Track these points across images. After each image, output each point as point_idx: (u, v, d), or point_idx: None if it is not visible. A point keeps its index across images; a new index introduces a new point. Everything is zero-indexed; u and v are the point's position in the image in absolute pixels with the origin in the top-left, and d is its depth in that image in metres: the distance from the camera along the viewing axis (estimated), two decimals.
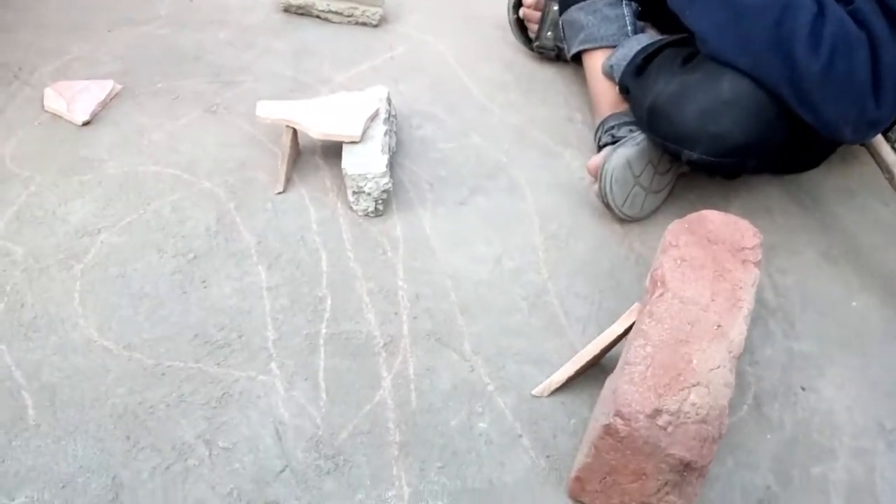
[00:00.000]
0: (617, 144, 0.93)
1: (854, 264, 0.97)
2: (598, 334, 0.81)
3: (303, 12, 1.27)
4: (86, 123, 1.00)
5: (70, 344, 0.76)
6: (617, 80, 1.03)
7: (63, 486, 0.65)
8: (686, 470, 0.61)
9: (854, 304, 0.93)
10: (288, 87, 1.12)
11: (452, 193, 0.99)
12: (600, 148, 0.98)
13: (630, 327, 0.75)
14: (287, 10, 1.27)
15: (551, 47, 1.21)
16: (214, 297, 0.82)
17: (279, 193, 0.95)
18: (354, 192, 0.92)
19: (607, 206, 0.94)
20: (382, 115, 0.99)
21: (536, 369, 0.80)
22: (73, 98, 1.01)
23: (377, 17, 1.27)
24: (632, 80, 0.97)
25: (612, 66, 1.05)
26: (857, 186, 1.10)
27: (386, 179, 0.92)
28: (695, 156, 0.84)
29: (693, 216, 0.80)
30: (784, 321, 0.90)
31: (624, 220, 0.96)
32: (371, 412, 0.74)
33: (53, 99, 1.01)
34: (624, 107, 1.05)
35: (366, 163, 0.92)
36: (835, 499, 0.74)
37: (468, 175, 1.02)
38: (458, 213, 0.96)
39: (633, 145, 0.92)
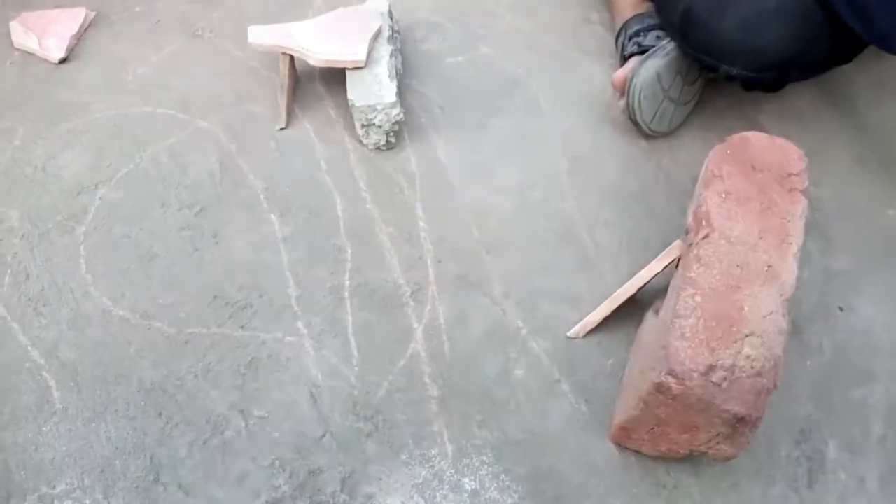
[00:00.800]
0: (645, 55, 0.85)
1: (890, 169, 0.92)
2: (630, 265, 0.78)
3: None
4: (62, 61, 0.90)
5: (84, 316, 0.72)
6: None
7: (102, 471, 0.64)
8: (739, 423, 0.59)
9: (891, 212, 0.89)
10: (277, 1, 1.02)
11: (467, 116, 0.92)
12: (624, 57, 0.90)
13: (668, 265, 0.71)
14: None
15: None
16: (228, 252, 0.77)
17: (282, 129, 0.88)
18: (364, 125, 0.85)
19: (635, 122, 0.88)
20: (386, 34, 0.90)
21: (570, 308, 0.77)
22: (44, 32, 0.91)
23: None
24: None
25: None
26: (892, 81, 1.02)
27: (397, 110, 0.84)
28: (734, 70, 0.77)
29: (735, 139, 0.74)
30: (820, 237, 0.86)
31: (650, 135, 0.90)
32: (405, 367, 0.72)
33: (22, 34, 0.91)
34: (646, 6, 0.96)
35: (373, 92, 0.84)
36: (875, 422, 0.73)
37: (482, 94, 0.94)
38: (475, 139, 0.89)
39: (662, 56, 0.84)
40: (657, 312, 0.73)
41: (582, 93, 0.96)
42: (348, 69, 0.86)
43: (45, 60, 0.90)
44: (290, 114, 0.89)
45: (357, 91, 0.84)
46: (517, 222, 0.83)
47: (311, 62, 0.85)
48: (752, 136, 0.74)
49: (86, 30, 0.94)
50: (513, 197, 0.85)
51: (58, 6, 0.96)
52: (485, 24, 1.03)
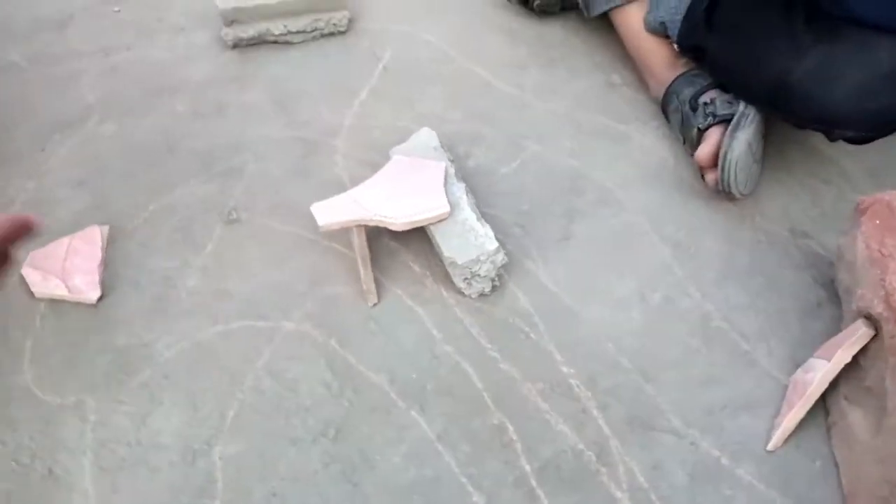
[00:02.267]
0: (732, 127, 0.80)
1: None
2: (783, 347, 0.74)
3: (256, 42, 1.02)
4: (100, 299, 0.77)
5: None
6: (675, 37, 0.88)
7: None
8: None
9: None
10: (298, 155, 0.91)
11: (549, 229, 0.85)
12: (699, 130, 0.84)
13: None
14: (237, 45, 1.01)
15: (555, 1, 1.03)
16: (388, 475, 0.67)
17: (374, 305, 0.78)
18: (466, 279, 0.76)
19: (727, 193, 0.83)
20: (451, 170, 0.81)
21: (752, 417, 0.72)
22: (66, 271, 0.77)
23: (345, 21, 1.03)
24: (706, 37, 0.83)
25: (662, 23, 0.89)
26: None
27: (501, 255, 0.76)
28: (849, 134, 0.73)
29: (876, 207, 0.70)
30: None
31: (737, 199, 0.85)
32: None
33: (41, 282, 0.76)
34: (682, 63, 0.91)
35: (471, 243, 0.75)
36: None
37: (552, 199, 0.87)
38: (567, 252, 0.82)
39: (748, 124, 0.80)
40: (847, 398, 0.68)
41: (647, 168, 0.90)
42: (433, 224, 0.77)
43: (80, 304, 0.76)
44: (377, 284, 0.78)
45: (453, 246, 0.75)
46: (656, 335, 0.77)
47: (394, 228, 0.76)
48: (889, 197, 0.70)
49: (106, 250, 0.80)
50: (637, 306, 0.78)
51: (60, 230, 0.81)
52: (519, 118, 0.95)
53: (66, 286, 0.76)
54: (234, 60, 1.01)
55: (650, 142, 0.93)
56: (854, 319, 0.70)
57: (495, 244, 0.75)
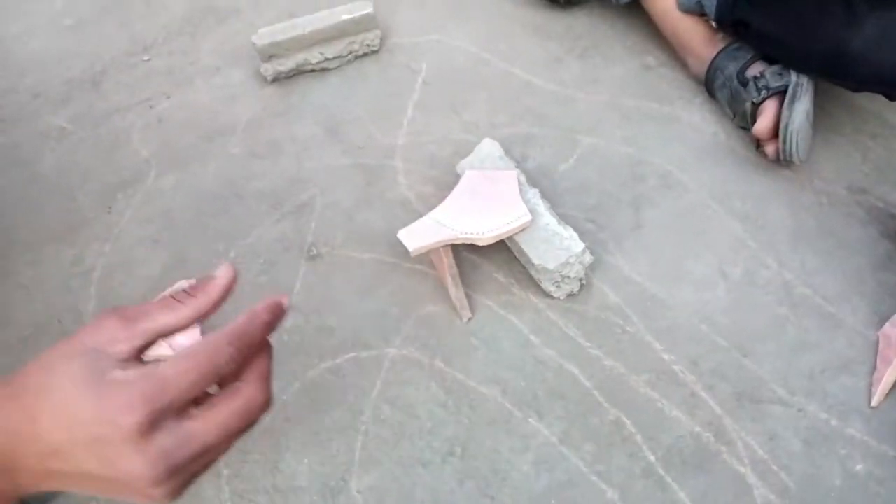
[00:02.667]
0: (788, 98, 0.81)
1: None
2: (867, 304, 0.77)
3: (295, 73, 1.02)
4: None
5: None
6: (712, 15, 0.89)
7: None
8: None
9: None
10: (362, 181, 0.92)
11: (620, 220, 0.86)
12: (754, 104, 0.85)
13: None
14: (276, 79, 1.02)
15: None
16: (520, 484, 0.69)
17: (469, 320, 0.80)
18: (556, 282, 0.78)
19: (788, 162, 0.85)
20: (522, 178, 0.83)
21: (850, 376, 0.74)
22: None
23: (377, 40, 1.04)
24: (748, 11, 0.84)
25: (698, 2, 0.90)
26: None
27: (587, 255, 0.78)
28: None
29: None
30: None
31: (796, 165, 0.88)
32: None
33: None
34: (718, 39, 0.92)
35: (557, 246, 0.77)
36: None
37: (615, 189, 0.89)
38: (643, 241, 0.84)
39: (804, 94, 0.81)
40: None
41: (700, 146, 0.92)
42: (515, 234, 0.79)
43: None
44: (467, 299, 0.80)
45: (541, 253, 0.77)
46: (745, 310, 0.79)
47: (481, 244, 0.77)
48: None
49: None
50: (721, 284, 0.81)
51: (146, 290, 0.82)
52: (566, 113, 0.97)
53: (170, 346, 0.77)
54: (276, 94, 1.01)
55: (698, 119, 0.95)
56: None
57: (581, 245, 0.77)
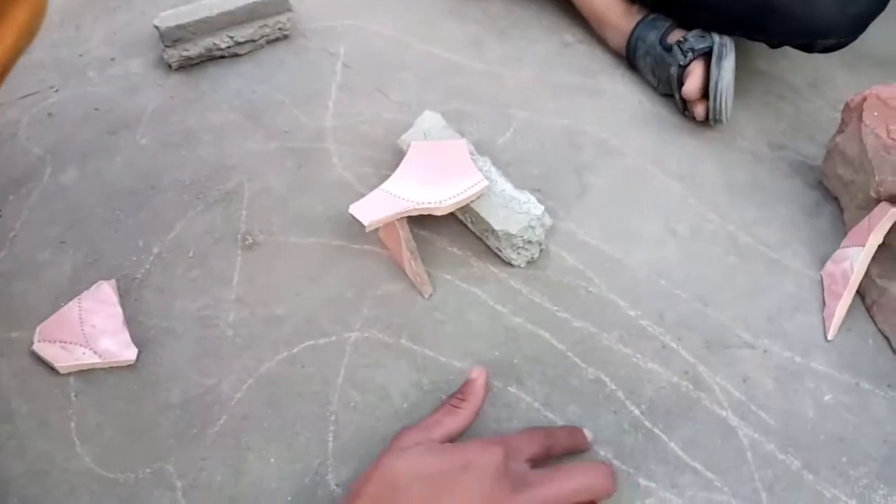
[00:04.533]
0: (715, 57, 0.85)
1: None
2: (808, 248, 0.80)
3: (203, 59, 0.95)
4: (138, 356, 0.69)
5: None
6: None
7: None
8: None
9: None
10: (293, 165, 0.86)
11: (564, 188, 0.86)
12: (680, 66, 0.88)
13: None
14: (182, 66, 0.94)
15: None
16: None
17: (431, 296, 0.76)
18: (517, 248, 0.76)
19: (716, 121, 0.88)
20: (471, 146, 0.81)
21: (804, 314, 0.77)
22: (89, 336, 0.69)
23: (290, 23, 0.99)
24: None
25: None
26: None
27: (547, 217, 0.77)
28: (831, 42, 0.79)
29: (867, 101, 0.77)
30: None
31: (722, 124, 0.91)
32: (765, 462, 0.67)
33: (63, 354, 0.67)
34: (634, 10, 0.95)
35: (516, 210, 0.75)
36: None
37: (556, 159, 0.88)
38: (591, 205, 0.84)
39: (728, 52, 0.85)
40: (881, 277, 0.75)
41: (629, 114, 0.94)
42: (472, 201, 0.76)
43: (114, 368, 0.68)
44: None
45: (501, 218, 0.75)
46: (697, 262, 0.80)
47: (439, 213, 0.74)
48: (876, 91, 0.78)
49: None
50: (671, 241, 0.82)
51: (56, 295, 0.72)
52: (496, 90, 0.96)
53: (95, 352, 0.67)
54: (184, 82, 0.93)
55: (622, 89, 0.97)
56: (859, 210, 0.77)
57: (541, 207, 0.75)
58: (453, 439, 0.54)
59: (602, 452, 0.65)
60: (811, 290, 0.78)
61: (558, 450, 0.58)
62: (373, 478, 0.49)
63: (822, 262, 0.80)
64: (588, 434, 0.62)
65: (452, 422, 0.55)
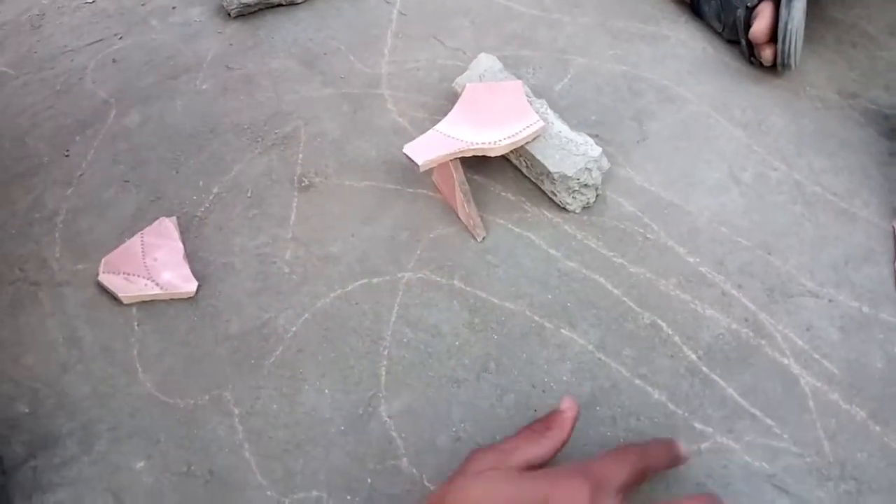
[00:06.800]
0: None
1: None
2: (878, 198, 0.76)
3: (261, 7, 0.95)
4: (197, 291, 0.71)
5: None
6: None
7: None
8: None
9: None
10: (348, 111, 0.86)
11: (625, 134, 0.84)
12: (747, 8, 0.84)
13: None
14: (241, 13, 0.95)
15: None
16: (563, 394, 0.65)
17: (483, 239, 0.75)
18: (573, 191, 0.75)
19: (784, 66, 0.84)
20: (526, 88, 0.79)
21: (872, 265, 0.73)
22: (152, 269, 0.70)
23: None
24: None
25: None
26: None
27: (604, 159, 0.75)
28: None
29: None
30: None
31: (791, 70, 0.87)
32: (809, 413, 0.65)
33: (126, 285, 0.69)
34: None
35: (573, 152, 0.73)
36: None
37: (615, 105, 0.86)
38: (652, 152, 0.82)
39: None
40: None
41: (692, 61, 0.91)
42: (528, 143, 0.75)
43: (178, 300, 0.70)
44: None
45: (557, 161, 0.73)
46: (761, 210, 0.77)
47: (493, 154, 0.73)
48: None
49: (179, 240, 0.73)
50: (734, 188, 0.79)
51: (119, 231, 0.74)
52: (554, 36, 0.94)
53: (157, 284, 0.69)
54: (242, 30, 0.94)
55: (685, 36, 0.94)
56: None
57: (598, 149, 0.73)
58: (532, 469, 0.49)
59: (655, 395, 0.64)
60: (882, 240, 0.75)
61: (654, 471, 0.50)
62: (446, 500, 0.45)
63: (895, 212, 0.76)
64: (682, 447, 0.53)
65: (533, 450, 0.49)
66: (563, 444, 0.51)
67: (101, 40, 0.93)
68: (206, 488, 0.59)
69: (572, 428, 0.52)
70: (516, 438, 0.51)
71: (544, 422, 0.52)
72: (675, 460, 0.52)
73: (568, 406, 0.53)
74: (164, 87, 0.87)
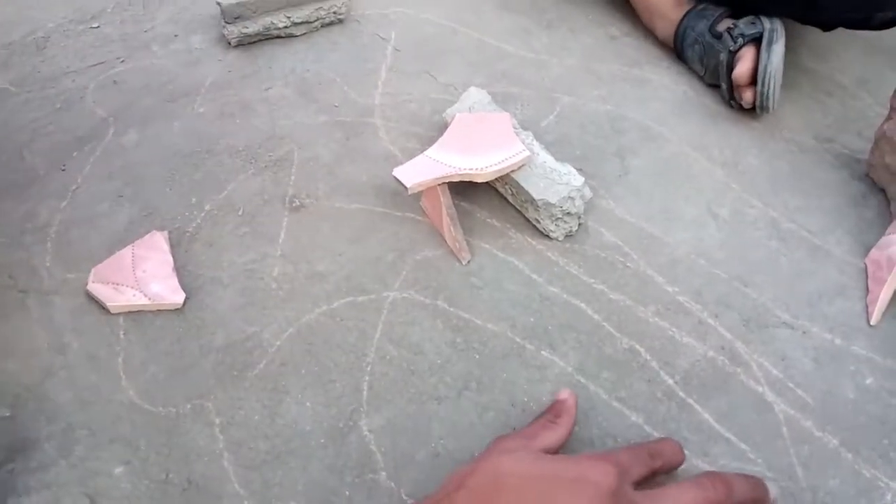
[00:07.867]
0: (765, 41, 0.85)
1: None
2: (850, 237, 0.79)
3: (260, 38, 0.99)
4: (184, 303, 0.71)
5: None
6: None
7: None
8: None
9: None
10: (341, 137, 0.89)
11: (606, 167, 0.87)
12: (730, 52, 0.88)
13: None
14: (241, 42, 0.98)
15: None
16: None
17: (469, 262, 0.77)
18: (556, 219, 0.77)
19: (762, 108, 0.88)
20: (513, 121, 0.82)
21: (844, 300, 0.76)
22: (140, 280, 0.71)
23: (345, 7, 1.02)
24: None
25: None
26: None
27: (587, 188, 0.77)
28: (889, 15, 0.79)
29: None
30: None
31: (761, 113, 0.91)
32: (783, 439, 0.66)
33: (114, 294, 0.70)
34: (684, 1, 0.96)
35: (557, 181, 0.76)
36: None
37: (599, 142, 0.89)
38: (633, 186, 0.84)
39: (779, 37, 0.85)
40: None
41: (674, 102, 0.94)
42: (513, 171, 0.77)
43: (162, 311, 0.70)
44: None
45: (541, 189, 0.76)
46: (738, 245, 0.80)
47: (479, 180, 0.75)
48: None
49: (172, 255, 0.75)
50: (712, 223, 0.82)
51: (108, 244, 0.75)
52: (542, 75, 0.97)
53: (145, 295, 0.70)
54: (241, 59, 0.97)
55: (667, 80, 0.98)
56: None
57: (581, 178, 0.76)
58: (551, 453, 0.53)
59: (633, 418, 0.65)
60: (854, 277, 0.77)
61: (663, 471, 0.54)
62: (477, 471, 0.48)
63: (867, 251, 0.79)
64: (681, 447, 0.57)
65: (550, 436, 0.55)
66: (572, 428, 0.58)
67: (102, 63, 0.96)
68: (183, 496, 0.59)
69: (575, 411, 0.59)
70: (532, 427, 0.56)
71: (552, 411, 0.58)
72: (681, 462, 0.56)
73: (567, 395, 0.60)
74: (163, 109, 0.90)
